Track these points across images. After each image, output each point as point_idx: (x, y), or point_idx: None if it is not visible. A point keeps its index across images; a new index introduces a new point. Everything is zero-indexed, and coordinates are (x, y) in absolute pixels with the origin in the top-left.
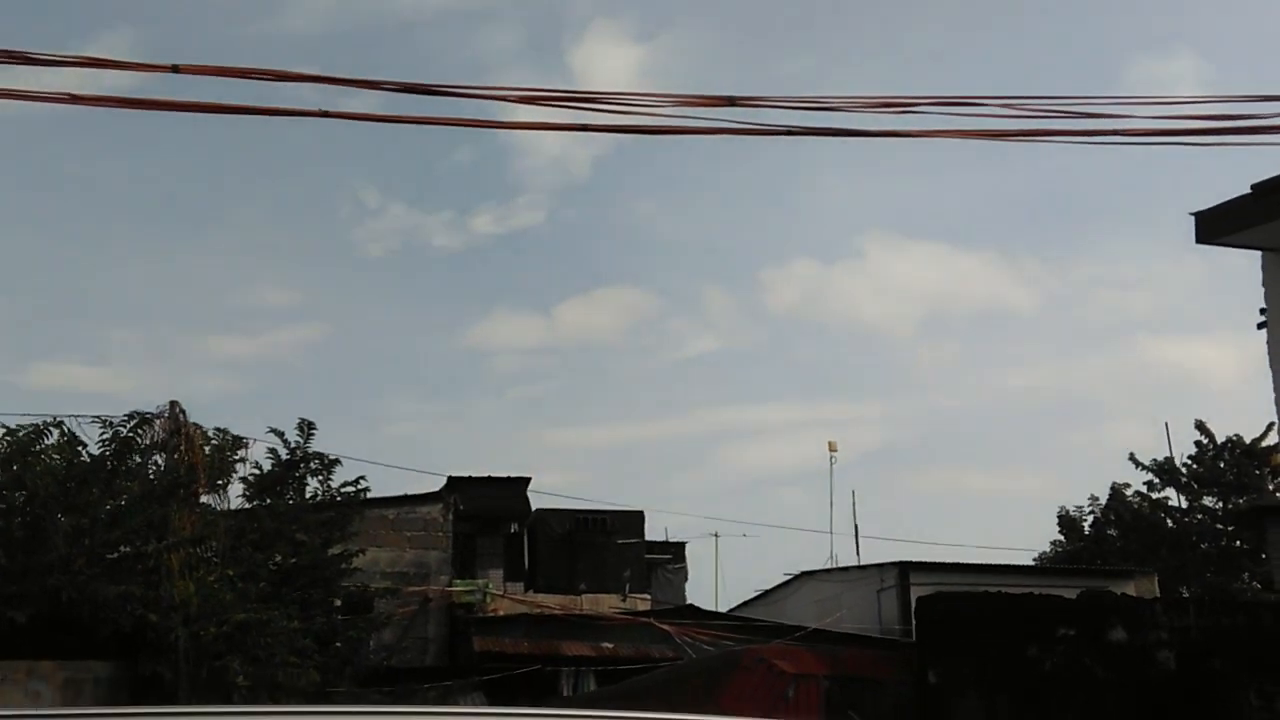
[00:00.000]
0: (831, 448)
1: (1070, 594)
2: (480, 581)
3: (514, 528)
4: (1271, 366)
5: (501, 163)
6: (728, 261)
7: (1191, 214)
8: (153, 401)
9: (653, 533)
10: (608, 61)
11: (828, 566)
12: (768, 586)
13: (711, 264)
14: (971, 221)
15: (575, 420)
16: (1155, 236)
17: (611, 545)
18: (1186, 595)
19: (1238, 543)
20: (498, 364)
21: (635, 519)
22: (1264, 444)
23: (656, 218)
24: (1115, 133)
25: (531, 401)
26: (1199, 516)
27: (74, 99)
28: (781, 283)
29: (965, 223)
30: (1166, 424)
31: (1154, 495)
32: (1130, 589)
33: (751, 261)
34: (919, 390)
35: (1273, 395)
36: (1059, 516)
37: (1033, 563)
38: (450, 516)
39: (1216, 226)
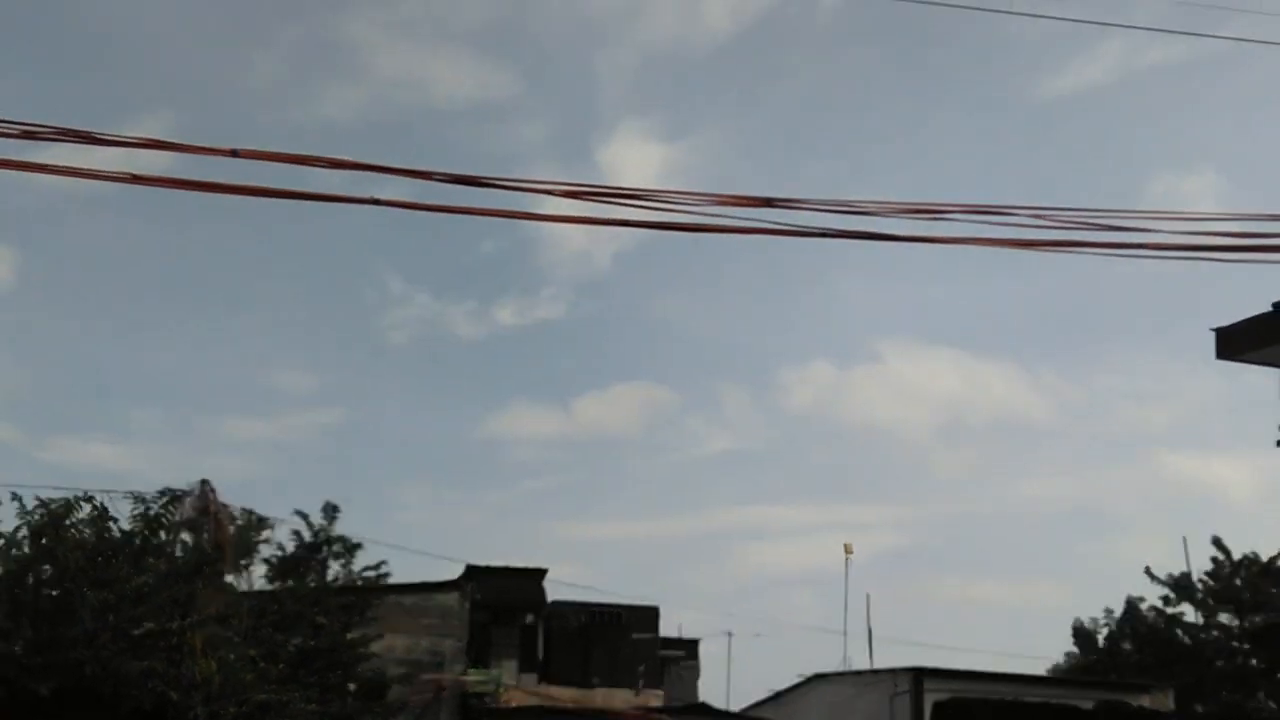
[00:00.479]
0: (847, 550)
1: (1086, 705)
2: (494, 671)
3: (529, 618)
4: None
5: (526, 255)
6: (747, 360)
7: (1212, 330)
8: (168, 480)
9: (666, 629)
10: (636, 158)
11: (841, 670)
12: (781, 688)
13: (730, 362)
14: (992, 329)
15: (590, 514)
16: (1176, 351)
17: (625, 640)
18: (1202, 712)
19: (1253, 661)
20: (515, 455)
21: (649, 614)
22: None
23: (677, 314)
24: (1140, 246)
25: (547, 493)
26: (1214, 633)
27: (135, 179)
28: (799, 383)
29: (985, 330)
30: (1185, 539)
31: (1170, 610)
32: (1145, 702)
33: (770, 361)
34: (936, 496)
35: None
36: (1074, 628)
37: (1046, 673)
38: (467, 605)
39: (1237, 343)
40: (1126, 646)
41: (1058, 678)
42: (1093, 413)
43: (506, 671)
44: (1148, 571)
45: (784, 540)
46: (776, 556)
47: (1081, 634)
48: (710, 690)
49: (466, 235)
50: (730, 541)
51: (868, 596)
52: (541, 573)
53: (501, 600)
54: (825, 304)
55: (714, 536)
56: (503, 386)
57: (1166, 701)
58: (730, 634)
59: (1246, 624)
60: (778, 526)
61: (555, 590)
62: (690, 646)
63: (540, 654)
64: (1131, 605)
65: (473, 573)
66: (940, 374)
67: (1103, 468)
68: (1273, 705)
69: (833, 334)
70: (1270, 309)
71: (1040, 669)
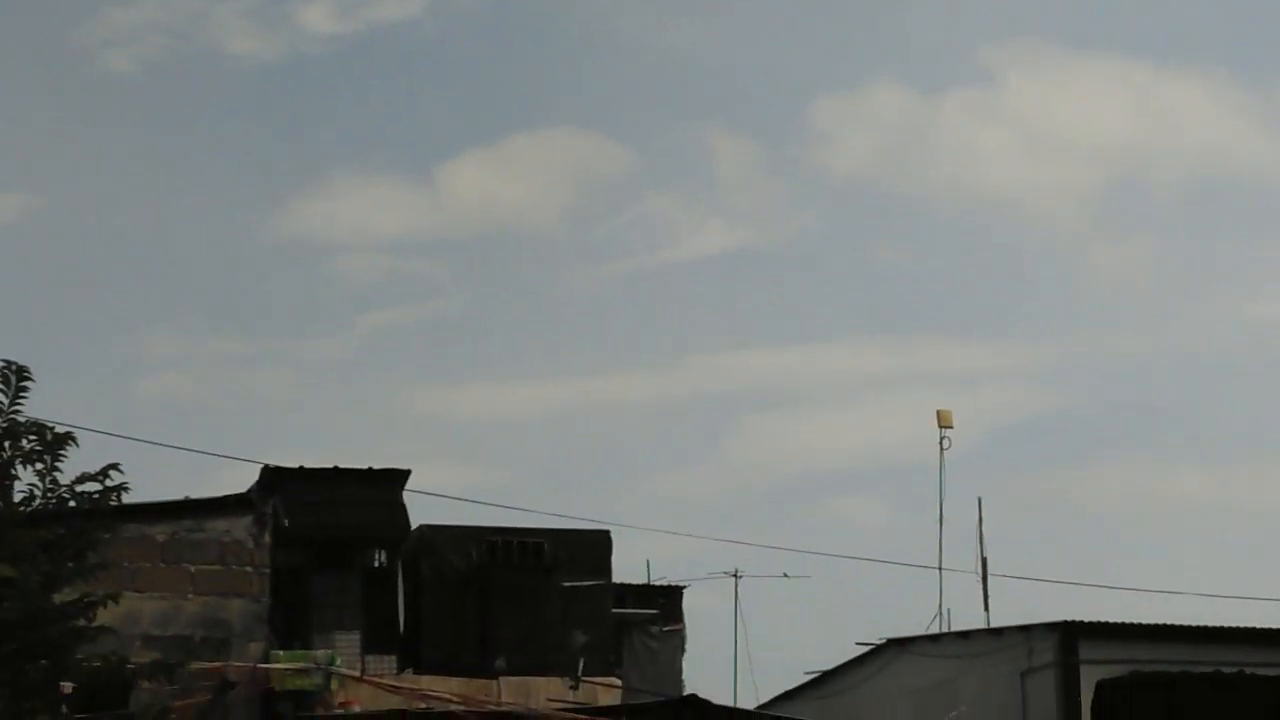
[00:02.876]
0: (943, 421)
1: None
2: (321, 653)
3: (379, 558)
4: None
5: None
6: (753, 87)
7: None
8: None
9: (626, 569)
10: None
11: (934, 631)
12: (829, 665)
13: (727, 91)
14: (1194, 25)
15: (482, 371)
16: None
17: (552, 590)
18: None
19: None
20: (341, 268)
21: (594, 545)
22: None
23: (632, 14)
24: None
25: (402, 336)
26: None
27: None
28: (847, 127)
29: (1182, 26)
30: None
31: None
32: None
33: (796, 88)
34: (1094, 322)
35: None
36: None
37: None
38: (267, 538)
39: None
40: None
41: None
42: None
43: (343, 652)
44: None
45: (825, 406)
46: (813, 435)
47: None
48: (706, 673)
49: None
50: (733, 411)
51: (979, 502)
52: (399, 478)
53: (329, 528)
54: None
55: (704, 403)
56: (316, 143)
57: None
58: (738, 574)
59: None
60: (814, 383)
61: (425, 507)
62: (668, 599)
63: (402, 620)
64: None
65: (277, 481)
66: (1099, 102)
67: None
68: None
69: (907, 35)
70: None
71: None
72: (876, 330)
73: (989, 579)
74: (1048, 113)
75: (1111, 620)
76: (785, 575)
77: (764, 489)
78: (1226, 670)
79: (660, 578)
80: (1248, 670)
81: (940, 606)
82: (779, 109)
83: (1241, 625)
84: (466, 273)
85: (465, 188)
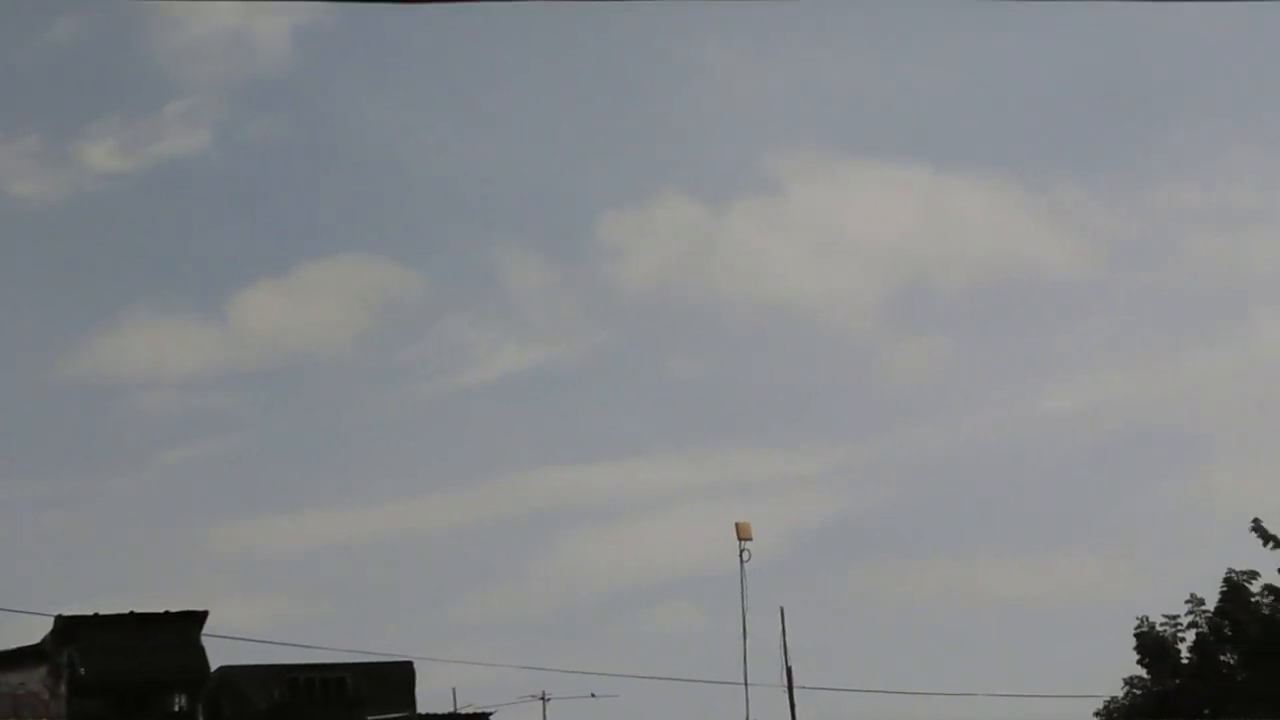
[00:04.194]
0: (741, 533)
1: None
2: None
3: (179, 702)
4: None
5: (132, 43)
6: (540, 206)
7: None
8: None
9: (431, 698)
10: None
11: None
12: None
13: (512, 212)
14: (967, 125)
15: (284, 502)
16: (1276, 148)
17: None
18: None
19: None
20: (136, 406)
21: (397, 677)
22: None
23: (415, 133)
24: None
25: (199, 471)
26: None
27: None
28: (637, 240)
29: (956, 127)
30: None
31: None
32: None
33: (582, 204)
34: (888, 422)
35: None
36: (1137, 635)
37: (1095, 717)
38: (63, 689)
39: None
40: (1228, 658)
41: None
42: (1149, 257)
43: None
44: (1257, 527)
45: (630, 522)
46: (619, 551)
47: (1151, 643)
48: None
49: (22, 14)
50: (534, 531)
51: (781, 613)
52: (195, 620)
53: (129, 675)
54: (669, 98)
55: (504, 526)
56: (107, 282)
57: None
58: (545, 696)
59: None
60: (618, 499)
61: (225, 649)
62: None
63: None
64: (1234, 586)
65: (72, 630)
66: (883, 206)
67: (1171, 349)
68: None
69: (690, 147)
70: None
71: (1086, 713)
72: (676, 443)
73: (794, 689)
74: (833, 219)
75: None
76: (593, 696)
77: (571, 608)
78: None
79: (467, 705)
80: None
81: (748, 718)
82: (567, 225)
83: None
84: (263, 404)
85: (257, 319)
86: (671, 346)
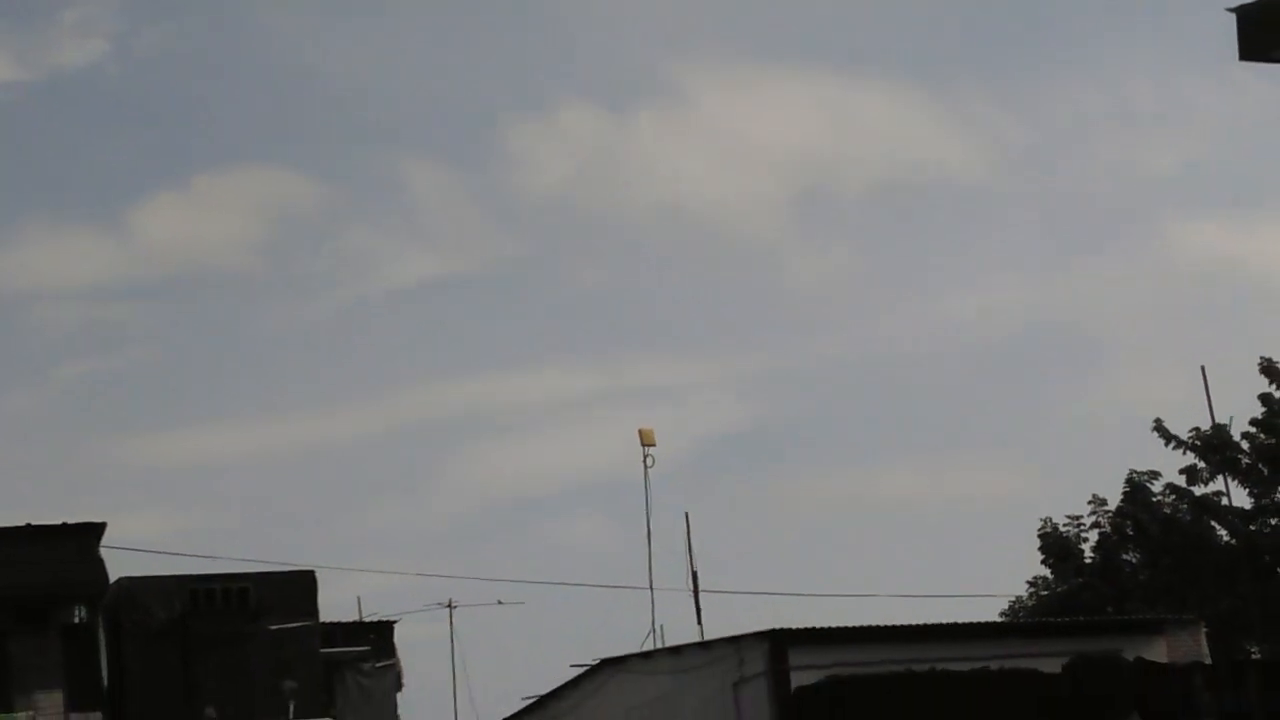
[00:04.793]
0: (645, 440)
1: (1055, 665)
2: (22, 714)
3: (79, 614)
4: None
5: None
6: (441, 113)
7: (1231, 10)
8: None
9: (335, 608)
10: None
11: (648, 648)
12: (547, 689)
13: (416, 122)
14: (871, 31)
15: (185, 416)
16: (1182, 51)
17: (259, 634)
18: (1254, 656)
19: None
20: (31, 319)
21: (299, 586)
22: None
23: (314, 42)
24: None
25: (97, 386)
26: (1274, 521)
27: None
28: (540, 146)
29: (863, 34)
30: (1203, 369)
31: (1199, 489)
32: (1158, 650)
33: (487, 114)
34: (792, 327)
35: None
36: (1041, 536)
37: (1000, 618)
38: None
39: (1271, 30)
40: (1130, 557)
41: (1012, 625)
42: (1051, 161)
43: (46, 712)
44: (1159, 427)
45: (536, 431)
46: (525, 461)
47: (1055, 544)
48: (424, 706)
49: None
50: (443, 442)
51: (686, 518)
52: (94, 531)
53: (22, 587)
54: (569, 3)
55: (414, 436)
56: (2, 195)
57: (1196, 642)
58: (452, 604)
59: None
60: (523, 408)
61: (124, 560)
62: (380, 635)
63: (106, 675)
64: (1136, 487)
65: None
66: (788, 111)
67: (1077, 256)
68: None
69: (593, 54)
70: None
71: (992, 613)
72: (582, 351)
73: (700, 593)
74: (736, 125)
75: (818, 626)
76: (500, 603)
77: (478, 518)
78: (925, 668)
79: (371, 614)
80: (948, 668)
81: (653, 624)
82: (471, 134)
83: (949, 622)
84: (163, 317)
85: (157, 231)
86: (577, 255)
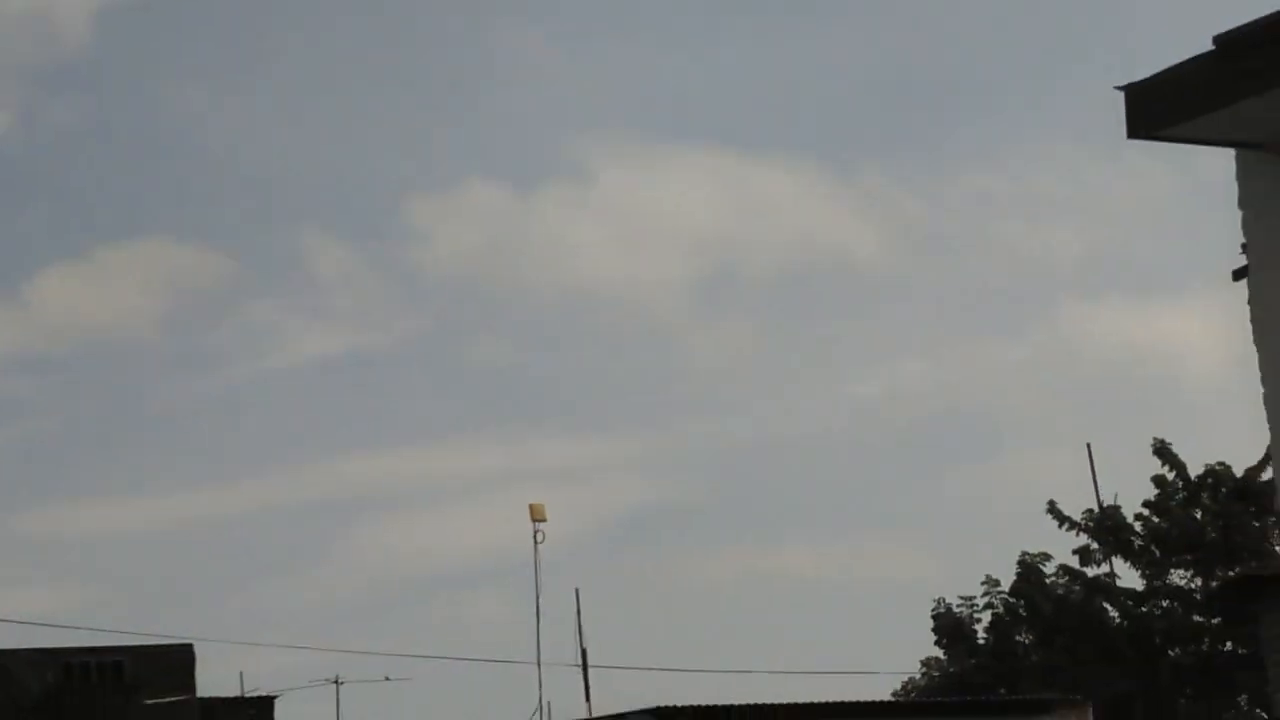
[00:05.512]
0: (535, 515)
1: None
2: None
3: None
4: (1256, 341)
5: None
6: (346, 191)
7: (1119, 88)
8: None
9: (216, 681)
10: None
11: None
12: None
13: (317, 197)
14: (773, 112)
15: (78, 489)
16: (1079, 128)
17: (134, 709)
18: None
19: (1227, 644)
20: None
21: (176, 660)
22: (1263, 475)
23: (217, 117)
24: None
25: None
26: (1165, 603)
27: None
28: (445, 225)
29: (762, 114)
30: (1089, 446)
31: (1090, 571)
32: None
33: (389, 189)
34: (694, 411)
35: (1260, 389)
36: (934, 616)
37: (893, 698)
38: None
39: (1159, 108)
40: (1023, 639)
41: (908, 704)
42: (949, 241)
43: None
44: (1052, 509)
45: (434, 507)
46: (422, 537)
47: (949, 625)
48: None
49: None
50: (333, 517)
51: (576, 594)
52: None
53: None
54: (471, 81)
55: (303, 512)
56: None
57: None
58: (339, 680)
59: (1215, 580)
60: (422, 484)
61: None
62: (260, 711)
63: None
64: (1028, 568)
65: None
66: (690, 191)
67: (970, 337)
68: (1261, 714)
69: (495, 132)
70: (1210, 48)
71: (885, 692)
72: (481, 428)
73: (589, 670)
74: (640, 205)
75: (709, 704)
76: (387, 679)
77: (370, 595)
78: None
79: (254, 689)
80: None
81: (540, 700)
82: (373, 209)
83: (844, 699)
84: (60, 389)
85: (55, 302)
86: (477, 332)
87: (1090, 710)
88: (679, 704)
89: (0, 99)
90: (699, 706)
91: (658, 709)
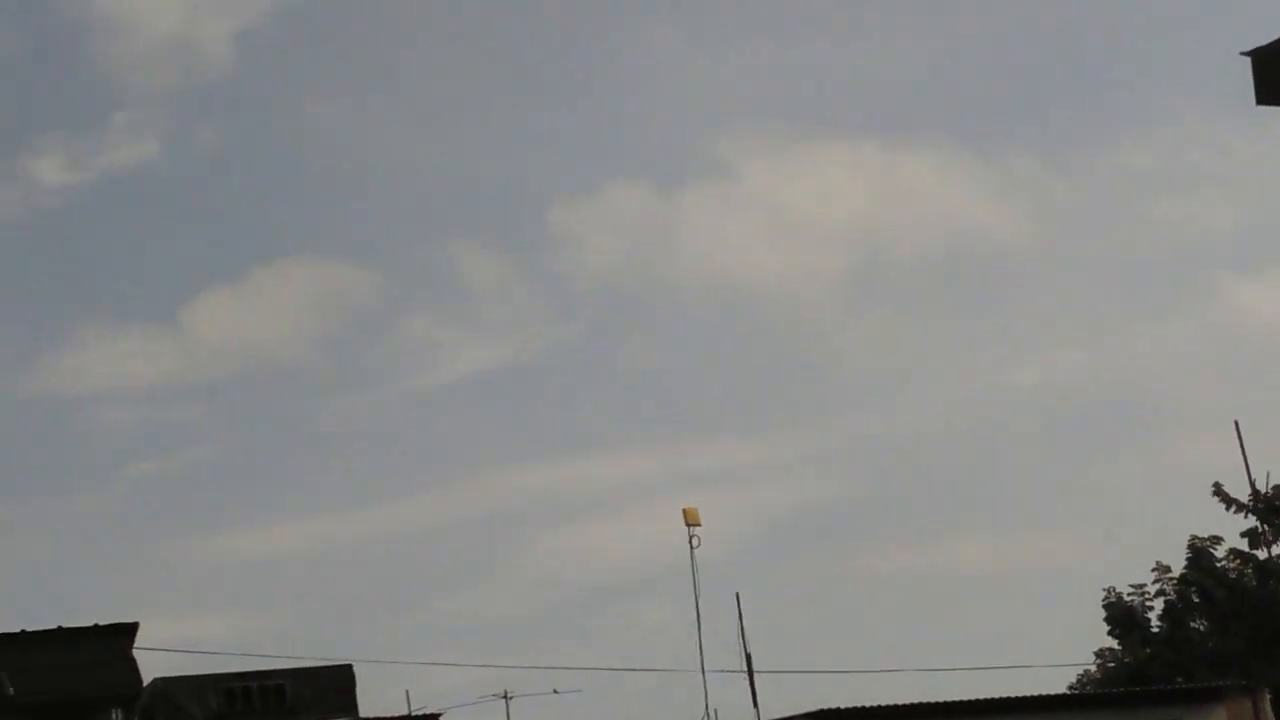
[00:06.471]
0: (690, 519)
1: None
2: None
3: (115, 717)
4: None
5: (73, 53)
6: (491, 198)
7: (1245, 53)
8: None
9: (382, 701)
10: None
11: None
12: None
13: (463, 206)
14: (915, 100)
15: (245, 513)
16: (1227, 100)
17: None
18: None
19: None
20: (90, 421)
21: (336, 681)
22: None
23: (361, 132)
24: None
25: (164, 483)
26: None
27: None
28: (589, 229)
29: (903, 102)
30: (1237, 424)
31: (1261, 553)
32: (1219, 718)
33: (532, 195)
34: (849, 405)
35: None
36: (1106, 606)
37: (1069, 690)
38: None
39: None
40: (1198, 625)
41: (1081, 697)
42: (1103, 224)
43: None
44: (1218, 491)
45: (598, 517)
46: (587, 547)
47: (1120, 614)
48: None
49: None
50: (498, 532)
51: (737, 597)
52: (126, 631)
53: (59, 692)
54: (612, 84)
55: (466, 527)
56: (62, 298)
57: (1260, 708)
58: (508, 695)
59: None
60: (578, 494)
61: (164, 661)
62: None
63: None
64: (1198, 553)
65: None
66: (833, 182)
67: (1126, 318)
68: None
69: (635, 133)
70: None
71: (1060, 685)
72: (637, 435)
73: (754, 673)
74: (784, 199)
75: (877, 704)
76: (555, 692)
77: (535, 607)
78: None
79: (420, 707)
80: None
81: (706, 707)
82: (520, 218)
83: (1016, 694)
84: (223, 414)
85: (212, 327)
86: (630, 337)
87: (1267, 697)
88: (843, 706)
89: (147, 125)
90: (862, 708)
91: (820, 712)
